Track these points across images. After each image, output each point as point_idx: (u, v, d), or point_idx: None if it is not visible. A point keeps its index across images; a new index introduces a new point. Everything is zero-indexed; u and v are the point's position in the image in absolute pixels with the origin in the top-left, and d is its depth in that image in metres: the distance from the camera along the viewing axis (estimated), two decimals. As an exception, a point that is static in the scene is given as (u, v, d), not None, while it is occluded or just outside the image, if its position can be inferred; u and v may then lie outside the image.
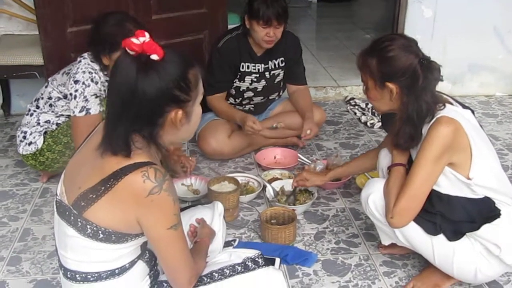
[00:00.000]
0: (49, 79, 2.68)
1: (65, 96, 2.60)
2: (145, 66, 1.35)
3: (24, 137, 2.67)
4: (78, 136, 2.42)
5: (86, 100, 2.45)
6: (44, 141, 2.63)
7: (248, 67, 3.00)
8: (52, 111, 2.66)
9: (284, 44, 3.02)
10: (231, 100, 3.12)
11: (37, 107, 2.68)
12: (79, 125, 2.45)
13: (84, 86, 2.45)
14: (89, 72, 2.47)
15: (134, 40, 1.35)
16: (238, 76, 3.01)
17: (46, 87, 2.67)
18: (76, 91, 2.46)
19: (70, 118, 2.57)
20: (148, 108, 1.37)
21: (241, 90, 3.06)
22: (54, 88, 2.62)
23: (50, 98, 2.64)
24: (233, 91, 3.07)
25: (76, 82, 2.47)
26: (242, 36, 2.95)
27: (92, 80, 2.46)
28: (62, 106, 2.63)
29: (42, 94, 2.68)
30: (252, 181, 2.75)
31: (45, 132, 2.64)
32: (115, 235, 1.42)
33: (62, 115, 2.66)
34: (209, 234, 1.82)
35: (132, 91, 1.35)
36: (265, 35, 2.82)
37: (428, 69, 1.81)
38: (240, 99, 3.11)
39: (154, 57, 1.35)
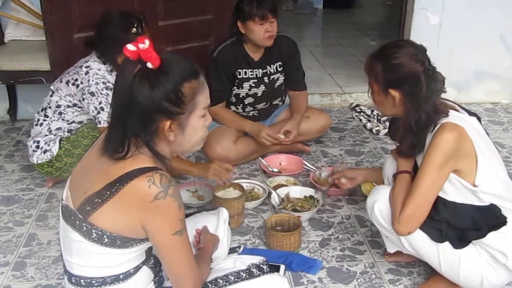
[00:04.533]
0: (52, 87, 2.69)
1: (74, 105, 2.64)
2: (141, 73, 1.35)
3: (38, 147, 2.67)
4: None
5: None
6: (60, 147, 2.64)
7: (245, 73, 3.01)
8: (63, 119, 2.68)
9: (280, 47, 3.03)
10: (233, 108, 3.12)
11: (46, 116, 2.69)
12: None
13: (105, 97, 2.52)
14: (103, 83, 2.54)
15: (129, 46, 1.35)
16: (236, 83, 3.02)
17: (51, 96, 2.67)
18: (100, 103, 2.53)
19: (85, 124, 2.67)
20: (140, 115, 1.37)
21: (240, 96, 3.07)
22: (62, 98, 2.64)
23: (58, 106, 2.66)
24: (233, 99, 3.08)
25: (92, 94, 2.53)
26: (237, 43, 2.96)
27: (107, 89, 2.53)
28: (73, 113, 2.66)
29: (49, 104, 2.68)
30: (257, 187, 2.74)
31: (61, 139, 2.65)
32: (120, 239, 1.42)
33: (73, 121, 2.68)
34: (212, 240, 1.82)
35: (128, 96, 1.35)
36: (265, 31, 2.84)
37: (432, 80, 1.81)
38: (242, 105, 3.11)
39: (149, 65, 1.35)
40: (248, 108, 3.13)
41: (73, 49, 3.01)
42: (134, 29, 2.51)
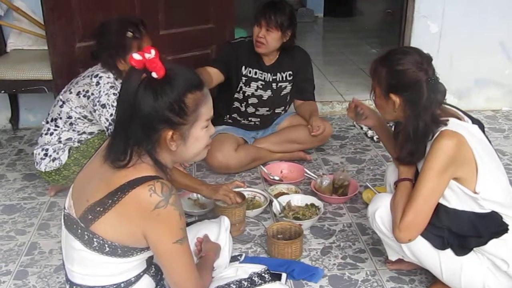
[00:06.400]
0: (61, 97, 2.68)
1: (85, 117, 2.65)
2: (145, 82, 1.36)
3: (46, 154, 2.67)
4: None
5: None
6: (69, 156, 2.64)
7: (255, 73, 3.07)
8: (73, 130, 2.68)
9: (293, 58, 3.10)
10: (237, 104, 3.15)
11: (57, 126, 2.69)
12: None
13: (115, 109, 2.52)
14: (113, 94, 2.54)
15: (135, 55, 1.37)
16: (244, 80, 3.07)
17: (61, 106, 2.66)
18: (111, 115, 2.53)
19: (96, 135, 2.69)
20: (142, 123, 1.38)
21: (246, 95, 3.10)
22: (72, 109, 2.64)
23: (69, 117, 2.66)
24: (240, 95, 3.11)
25: (104, 106, 2.54)
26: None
27: None
28: (84, 124, 2.68)
29: (59, 114, 2.67)
30: (258, 195, 2.74)
31: (70, 148, 2.66)
32: (121, 249, 1.42)
33: (84, 132, 2.69)
34: (214, 249, 1.82)
35: (131, 104, 1.36)
36: (257, 35, 2.91)
37: (433, 90, 1.82)
38: (245, 103, 3.13)
39: (154, 75, 1.36)
40: (250, 109, 3.15)
41: (75, 58, 3.02)
42: (130, 33, 2.51)
